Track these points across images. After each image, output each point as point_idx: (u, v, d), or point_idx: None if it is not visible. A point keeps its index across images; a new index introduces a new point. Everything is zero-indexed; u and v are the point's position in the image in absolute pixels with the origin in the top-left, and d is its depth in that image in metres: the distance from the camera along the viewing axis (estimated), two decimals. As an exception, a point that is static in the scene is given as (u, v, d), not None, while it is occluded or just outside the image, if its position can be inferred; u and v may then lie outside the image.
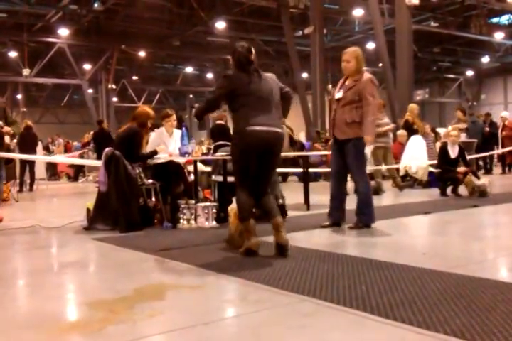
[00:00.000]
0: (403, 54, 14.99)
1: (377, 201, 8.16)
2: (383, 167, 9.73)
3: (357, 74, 5.26)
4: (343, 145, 5.27)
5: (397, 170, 10.62)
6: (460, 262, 3.67)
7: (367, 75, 5.28)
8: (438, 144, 10.80)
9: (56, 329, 2.46)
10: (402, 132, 11.22)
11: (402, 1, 14.94)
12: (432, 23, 22.99)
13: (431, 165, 9.99)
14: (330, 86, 28.71)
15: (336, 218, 5.42)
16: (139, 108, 6.26)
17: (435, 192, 8.67)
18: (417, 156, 10.15)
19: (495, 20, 25.25)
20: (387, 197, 8.90)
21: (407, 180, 10.36)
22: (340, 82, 5.42)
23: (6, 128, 6.21)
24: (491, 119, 14.13)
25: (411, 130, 10.88)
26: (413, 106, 11.31)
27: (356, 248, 4.37)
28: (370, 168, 9.85)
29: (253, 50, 4.32)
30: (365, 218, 5.29)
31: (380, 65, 18.27)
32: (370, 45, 25.17)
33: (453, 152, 8.49)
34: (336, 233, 5.18)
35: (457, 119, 12.73)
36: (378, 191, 9.06)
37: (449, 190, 8.45)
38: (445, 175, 8.45)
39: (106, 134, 13.40)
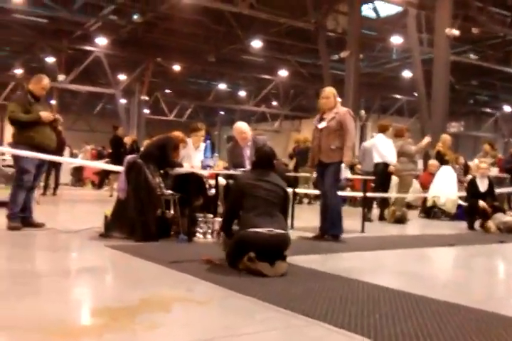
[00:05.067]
0: (440, 84, 14.82)
1: (402, 230, 8.05)
2: (409, 195, 9.55)
3: (334, 107, 6.10)
4: (325, 168, 6.08)
5: (425, 200, 10.43)
6: (482, 297, 3.50)
7: (344, 108, 6.19)
8: (469, 177, 10.57)
9: (55, 333, 2.39)
10: (433, 162, 11.04)
11: (441, 31, 14.82)
12: (472, 56, 22.76)
13: (460, 198, 9.76)
14: (363, 111, 28.66)
15: (323, 231, 6.14)
16: (174, 133, 6.30)
17: (463, 225, 8.44)
18: (446, 187, 9.93)
19: (535, 56, 24.89)
20: (412, 227, 8.71)
21: (435, 212, 10.13)
22: (318, 115, 6.26)
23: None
24: None
25: (442, 161, 10.68)
26: (446, 137, 11.11)
27: (374, 275, 4.21)
28: (395, 195, 9.69)
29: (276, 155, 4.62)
30: (334, 230, 6.03)
31: (416, 94, 18.10)
32: (407, 74, 25.06)
33: (482, 185, 8.30)
34: (354, 258, 5.05)
35: (484, 153, 12.41)
36: (403, 220, 8.87)
37: (477, 223, 8.22)
38: (473, 208, 8.23)
39: (118, 140, 13.41)
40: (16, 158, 6.13)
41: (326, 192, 6.12)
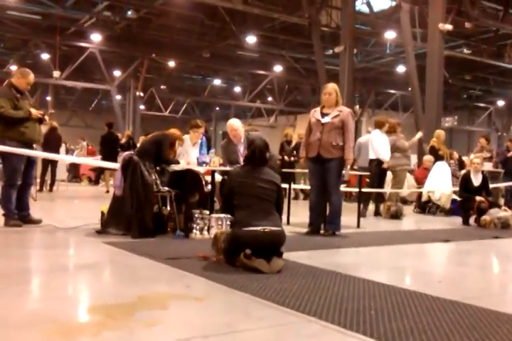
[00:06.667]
0: (433, 79, 14.83)
1: (397, 225, 8.07)
2: (405, 190, 9.58)
3: (337, 105, 6.22)
4: (325, 163, 6.12)
5: (420, 195, 10.45)
6: (477, 293, 3.53)
7: (346, 108, 6.33)
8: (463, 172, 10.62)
9: (51, 331, 2.39)
10: (428, 157, 11.07)
11: (435, 25, 14.83)
12: (465, 50, 22.77)
13: (454, 193, 9.79)
14: (357, 106, 28.63)
15: (316, 227, 6.21)
16: (171, 130, 6.34)
17: (457, 220, 8.47)
18: (441, 183, 9.97)
19: (529, 50, 24.91)
20: (407, 222, 8.73)
21: (429, 207, 10.17)
22: (318, 109, 6.30)
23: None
24: None
25: (436, 156, 10.72)
26: (440, 133, 11.15)
27: (370, 271, 4.24)
28: (390, 190, 9.72)
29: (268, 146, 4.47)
30: (333, 226, 6.17)
31: (409, 89, 18.13)
32: (401, 68, 25.09)
33: (476, 180, 8.33)
34: (350, 254, 5.08)
35: (480, 147, 12.43)
36: (398, 215, 8.88)
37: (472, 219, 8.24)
38: (467, 203, 8.27)
39: (114, 138, 13.43)
40: (5, 155, 5.93)
41: (331, 189, 6.18)
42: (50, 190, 12.77)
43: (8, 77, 6.24)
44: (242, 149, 6.38)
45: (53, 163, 12.53)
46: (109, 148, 12.94)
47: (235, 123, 6.51)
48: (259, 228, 3.90)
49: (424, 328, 2.58)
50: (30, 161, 6.14)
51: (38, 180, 11.64)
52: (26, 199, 6.19)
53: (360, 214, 7.64)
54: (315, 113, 6.29)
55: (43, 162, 11.95)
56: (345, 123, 6.12)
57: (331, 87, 6.26)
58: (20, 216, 6.02)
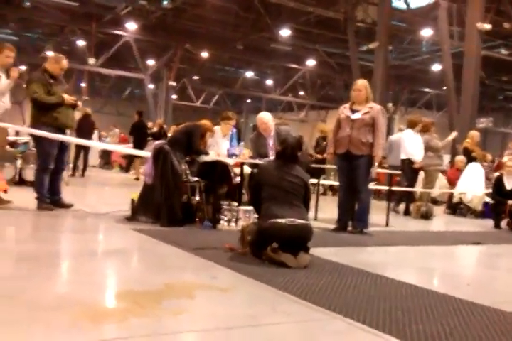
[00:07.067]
0: (469, 79, 14.60)
1: (427, 226, 7.98)
2: (436, 190, 9.44)
3: (367, 101, 6.12)
4: (354, 160, 6.03)
5: (451, 196, 10.30)
6: (507, 298, 3.46)
7: (377, 105, 6.25)
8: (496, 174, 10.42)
9: (79, 314, 2.41)
10: (461, 158, 10.90)
11: (473, 24, 14.56)
12: (503, 51, 22.29)
13: (487, 195, 9.62)
14: (390, 104, 28.30)
15: (344, 223, 6.14)
16: (202, 121, 6.35)
17: (489, 223, 8.34)
18: (473, 184, 9.80)
19: None
20: (437, 223, 8.63)
21: (460, 208, 10.01)
22: (348, 106, 6.21)
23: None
24: None
25: (469, 157, 10.55)
26: (474, 133, 10.95)
27: (397, 270, 4.20)
28: (421, 190, 9.59)
29: (302, 146, 4.46)
30: (361, 224, 6.06)
31: (445, 88, 17.85)
32: (436, 67, 24.70)
33: (509, 183, 8.19)
34: (378, 252, 5.04)
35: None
36: (428, 215, 8.77)
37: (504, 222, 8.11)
38: (499, 207, 8.13)
39: (143, 126, 13.57)
40: (39, 140, 6.04)
41: (359, 187, 6.09)
42: (82, 175, 12.97)
43: (44, 62, 6.31)
44: (271, 143, 6.36)
45: (86, 149, 12.72)
46: (138, 136, 13.09)
47: (265, 117, 6.47)
48: (284, 220, 3.89)
49: (452, 332, 2.54)
50: (63, 146, 6.22)
51: (71, 165, 11.82)
52: (58, 183, 6.29)
53: (394, 210, 7.58)
54: (344, 109, 6.21)
55: (76, 147, 12.14)
56: (376, 121, 6.04)
57: (361, 83, 6.19)
58: (52, 200, 6.12)
